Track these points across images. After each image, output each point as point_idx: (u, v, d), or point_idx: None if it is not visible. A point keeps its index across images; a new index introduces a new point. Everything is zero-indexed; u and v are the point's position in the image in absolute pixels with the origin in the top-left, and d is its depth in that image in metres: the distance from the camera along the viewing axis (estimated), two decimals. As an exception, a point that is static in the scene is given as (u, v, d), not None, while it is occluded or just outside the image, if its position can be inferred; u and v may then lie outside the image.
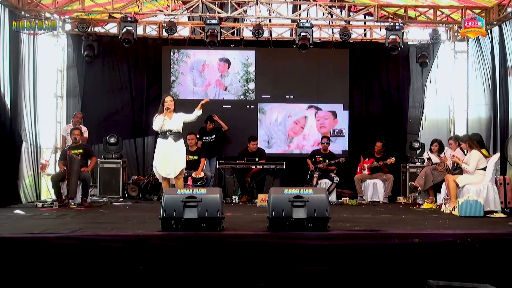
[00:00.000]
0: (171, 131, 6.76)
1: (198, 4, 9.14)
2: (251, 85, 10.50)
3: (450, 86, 10.75)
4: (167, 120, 6.74)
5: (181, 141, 6.91)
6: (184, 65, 10.47)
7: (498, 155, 7.33)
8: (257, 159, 8.94)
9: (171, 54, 10.41)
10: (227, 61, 10.51)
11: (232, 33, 10.51)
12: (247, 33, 10.46)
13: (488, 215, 6.50)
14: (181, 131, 6.91)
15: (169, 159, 6.74)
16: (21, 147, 8.30)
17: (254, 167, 8.86)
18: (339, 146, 10.39)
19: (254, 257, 4.54)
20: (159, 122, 6.74)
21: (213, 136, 9.74)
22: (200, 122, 9.05)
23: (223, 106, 10.41)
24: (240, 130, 10.08)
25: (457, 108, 10.75)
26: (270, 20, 10.34)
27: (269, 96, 10.53)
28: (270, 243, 4.61)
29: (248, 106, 10.48)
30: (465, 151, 7.53)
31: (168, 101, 6.81)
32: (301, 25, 9.24)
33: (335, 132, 10.47)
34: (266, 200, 5.08)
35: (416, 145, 9.90)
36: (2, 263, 4.30)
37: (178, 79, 10.45)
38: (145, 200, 9.16)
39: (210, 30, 9.19)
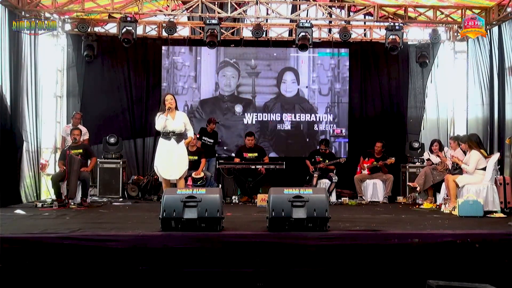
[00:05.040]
0: (174, 132, 6.60)
1: (198, 4, 9.14)
2: (251, 85, 10.49)
3: (450, 86, 10.74)
4: (170, 120, 6.56)
5: (183, 142, 6.78)
6: (181, 64, 10.41)
7: (498, 155, 7.32)
8: (257, 154, 8.97)
9: (167, 52, 10.39)
10: (226, 61, 10.51)
11: (232, 33, 10.51)
12: (246, 33, 10.46)
13: (488, 215, 6.50)
14: (183, 132, 6.78)
15: (171, 161, 6.61)
16: (22, 147, 8.29)
17: (253, 167, 8.87)
18: (338, 146, 10.39)
19: (254, 257, 4.53)
20: (161, 123, 6.57)
21: (211, 141, 9.73)
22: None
23: (222, 106, 10.42)
24: (240, 130, 10.08)
25: (457, 108, 10.75)
26: (267, 20, 10.31)
27: (269, 96, 10.53)
28: (269, 243, 4.60)
29: (244, 106, 10.49)
30: (465, 151, 7.53)
31: (169, 99, 6.61)
32: (300, 25, 9.24)
33: (334, 132, 10.48)
34: (266, 200, 5.08)
35: (416, 145, 9.89)
36: (2, 263, 4.30)
37: (175, 78, 10.41)
38: (145, 200, 9.15)
39: (210, 30, 9.20)
